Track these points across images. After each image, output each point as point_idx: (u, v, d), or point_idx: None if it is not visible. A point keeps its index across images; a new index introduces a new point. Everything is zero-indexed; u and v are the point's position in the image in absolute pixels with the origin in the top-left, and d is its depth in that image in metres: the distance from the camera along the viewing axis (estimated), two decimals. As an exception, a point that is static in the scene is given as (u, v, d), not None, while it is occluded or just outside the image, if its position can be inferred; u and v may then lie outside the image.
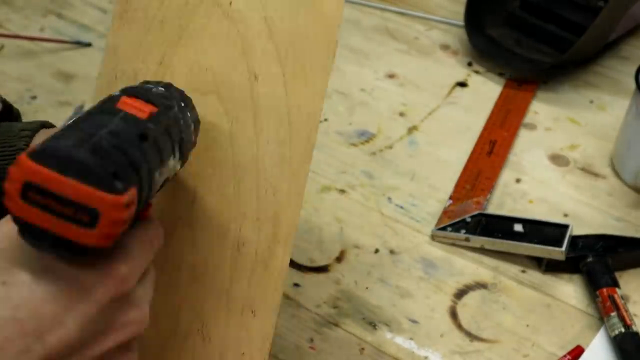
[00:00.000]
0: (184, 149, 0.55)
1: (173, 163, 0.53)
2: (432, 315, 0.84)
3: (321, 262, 0.89)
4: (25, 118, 1.06)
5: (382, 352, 0.80)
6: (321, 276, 0.87)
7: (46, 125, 0.67)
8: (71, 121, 0.47)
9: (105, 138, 0.44)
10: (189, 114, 0.57)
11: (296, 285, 0.86)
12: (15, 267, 0.43)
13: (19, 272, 0.43)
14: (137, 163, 0.45)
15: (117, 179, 0.42)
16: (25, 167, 0.41)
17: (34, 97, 1.10)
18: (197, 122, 0.58)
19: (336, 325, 0.83)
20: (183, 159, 0.56)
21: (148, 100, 0.51)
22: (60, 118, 1.06)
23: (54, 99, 1.10)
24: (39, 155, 0.41)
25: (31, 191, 0.41)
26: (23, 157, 0.41)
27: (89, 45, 1.18)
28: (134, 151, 0.45)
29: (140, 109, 0.49)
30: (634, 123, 0.92)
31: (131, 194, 0.43)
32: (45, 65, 1.15)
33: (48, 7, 1.25)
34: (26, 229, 0.42)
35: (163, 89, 0.56)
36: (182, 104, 0.56)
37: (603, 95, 1.09)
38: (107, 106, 0.49)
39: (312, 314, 0.84)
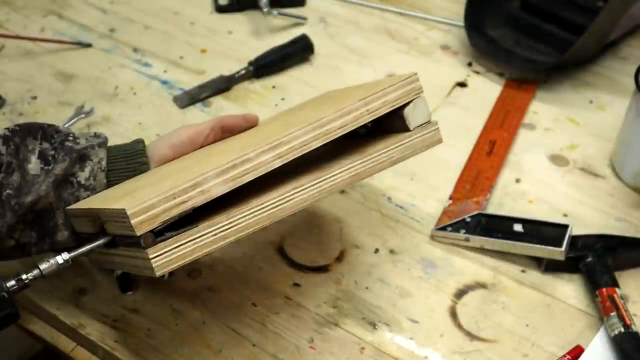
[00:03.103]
0: None
1: None
2: (432, 315, 0.84)
3: (321, 262, 0.89)
4: (25, 118, 1.07)
5: (382, 352, 0.80)
6: (321, 276, 0.87)
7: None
8: None
9: None
10: None
11: (296, 285, 0.86)
12: None
13: None
14: None
15: None
16: None
17: (34, 97, 1.10)
18: None
19: (336, 325, 0.83)
20: None
21: None
22: (61, 118, 1.06)
23: (54, 99, 1.10)
24: None
25: None
26: None
27: (89, 45, 1.18)
28: None
29: None
30: (634, 123, 0.92)
31: None
32: (45, 65, 1.15)
33: (48, 7, 1.25)
34: None
35: None
36: None
37: (602, 95, 1.09)
38: None
39: (312, 314, 0.84)
